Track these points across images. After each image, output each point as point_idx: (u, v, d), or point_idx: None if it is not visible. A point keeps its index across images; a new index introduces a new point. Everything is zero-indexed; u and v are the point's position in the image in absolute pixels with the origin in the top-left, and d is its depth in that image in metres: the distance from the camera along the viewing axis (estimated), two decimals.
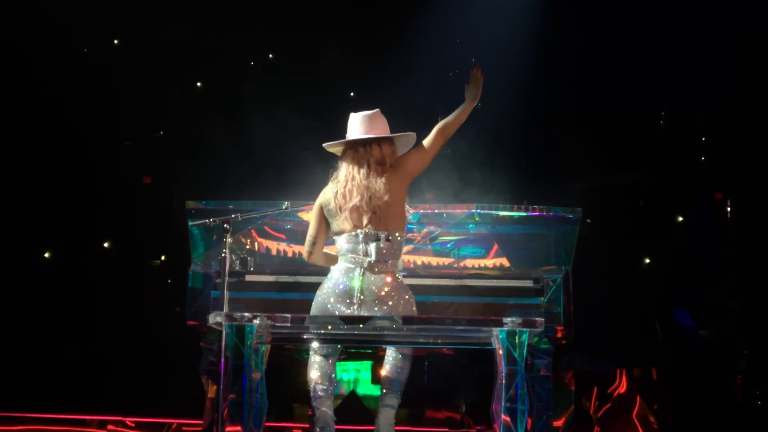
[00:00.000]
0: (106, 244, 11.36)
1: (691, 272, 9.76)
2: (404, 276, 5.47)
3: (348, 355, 7.45)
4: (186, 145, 11.07)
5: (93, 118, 10.73)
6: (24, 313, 10.47)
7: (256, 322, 4.71)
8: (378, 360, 6.47)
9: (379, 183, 5.12)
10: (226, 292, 5.22)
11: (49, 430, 8.06)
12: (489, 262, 6.21)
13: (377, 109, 5.32)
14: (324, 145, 5.37)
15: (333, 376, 5.20)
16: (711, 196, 10.34)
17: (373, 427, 5.16)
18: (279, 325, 4.76)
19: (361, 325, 4.78)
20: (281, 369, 7.34)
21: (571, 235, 6.02)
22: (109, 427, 8.16)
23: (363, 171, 5.17)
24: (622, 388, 7.80)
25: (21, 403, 9.42)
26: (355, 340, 5.03)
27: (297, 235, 6.17)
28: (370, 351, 6.64)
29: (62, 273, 11.00)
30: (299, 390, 7.55)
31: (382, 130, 5.23)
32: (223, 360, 4.75)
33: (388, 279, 5.07)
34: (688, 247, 9.99)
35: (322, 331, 4.87)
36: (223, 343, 4.76)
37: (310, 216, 5.47)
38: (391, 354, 5.22)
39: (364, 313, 5.01)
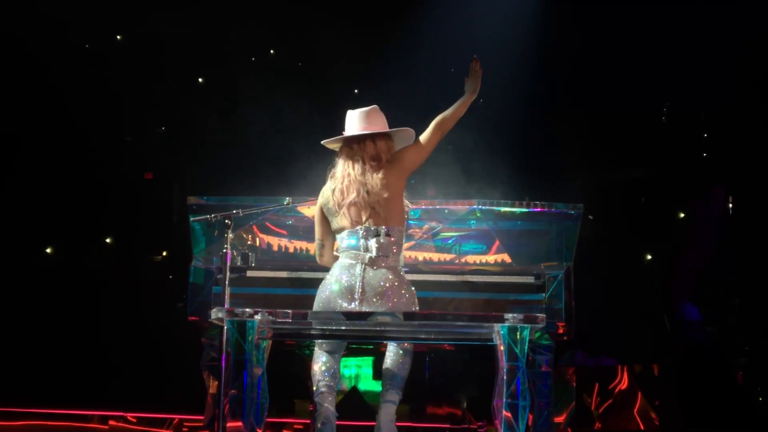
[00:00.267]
0: (107, 240, 11.37)
1: (693, 269, 9.77)
2: (406, 272, 5.47)
3: (349, 351, 7.44)
4: (187, 141, 11.07)
5: (94, 115, 10.73)
6: (25, 310, 10.47)
7: (258, 317, 4.71)
8: (380, 356, 6.47)
9: (375, 178, 5.13)
10: (227, 288, 5.23)
11: (51, 426, 8.06)
12: (490, 258, 6.21)
13: (374, 106, 5.32)
14: (322, 142, 5.38)
15: (337, 372, 5.20)
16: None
17: (374, 423, 5.16)
18: (280, 320, 4.76)
19: (362, 321, 4.78)
20: (282, 365, 7.34)
21: (572, 231, 6.01)
22: (111, 422, 8.17)
23: (358, 167, 5.18)
24: (624, 384, 7.80)
25: (23, 398, 9.43)
26: (357, 336, 5.03)
27: (298, 231, 6.18)
28: (371, 347, 6.64)
29: (64, 269, 11.00)
30: (300, 386, 7.55)
31: (378, 126, 5.24)
32: (224, 356, 4.76)
33: (390, 274, 5.07)
34: (694, 243, 9.98)
35: (324, 327, 4.87)
36: (225, 338, 4.76)
37: (312, 212, 5.47)
38: (391, 349, 5.22)
39: (366, 308, 5.02)
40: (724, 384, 7.74)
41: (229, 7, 10.62)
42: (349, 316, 4.82)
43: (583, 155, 10.71)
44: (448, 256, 6.24)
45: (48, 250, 11.22)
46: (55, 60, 10.53)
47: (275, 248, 6.22)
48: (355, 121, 5.26)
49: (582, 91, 10.59)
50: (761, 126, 10.20)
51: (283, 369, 7.46)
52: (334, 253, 5.33)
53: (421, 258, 6.25)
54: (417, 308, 5.15)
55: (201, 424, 6.97)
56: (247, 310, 4.73)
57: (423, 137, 5.24)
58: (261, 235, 6.23)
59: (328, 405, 5.10)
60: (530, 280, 5.83)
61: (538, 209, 6.04)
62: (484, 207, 6.06)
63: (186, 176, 10.75)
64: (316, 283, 5.24)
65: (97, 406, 9.00)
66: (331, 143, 5.36)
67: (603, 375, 7.96)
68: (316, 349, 5.24)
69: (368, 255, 5.09)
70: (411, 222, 6.03)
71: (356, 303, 5.04)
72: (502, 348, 4.67)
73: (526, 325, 4.65)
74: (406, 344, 5.19)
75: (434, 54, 10.24)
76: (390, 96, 9.17)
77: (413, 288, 5.19)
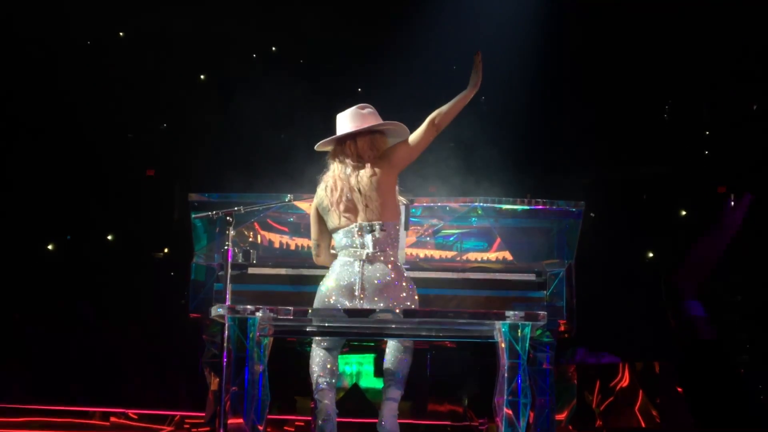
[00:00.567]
0: (109, 237, 11.37)
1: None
2: (407, 269, 5.47)
3: (350, 348, 7.45)
4: (189, 137, 11.07)
5: (96, 111, 10.73)
6: (26, 305, 10.48)
7: (259, 314, 4.71)
8: (381, 353, 6.46)
9: (363, 176, 5.14)
10: (228, 285, 5.23)
11: (52, 422, 8.07)
12: (492, 255, 6.21)
13: (358, 105, 5.33)
14: (315, 147, 5.40)
15: (335, 368, 5.20)
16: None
17: (375, 420, 5.16)
18: (281, 317, 4.76)
19: (363, 319, 4.78)
20: (283, 362, 7.35)
21: (574, 228, 6.01)
22: (112, 419, 8.18)
23: (345, 167, 5.20)
24: (625, 382, 7.80)
25: (24, 394, 9.43)
26: (357, 333, 5.02)
27: (300, 228, 6.18)
28: (372, 344, 6.64)
29: (65, 265, 11.01)
30: (301, 383, 7.55)
31: (362, 124, 5.24)
32: (225, 352, 4.76)
33: (388, 269, 5.07)
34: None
35: (325, 324, 4.87)
36: (226, 335, 4.76)
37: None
38: (391, 347, 5.23)
39: (366, 305, 5.02)
40: (732, 380, 7.73)
41: (232, 3, 10.61)
42: (350, 313, 4.83)
43: (584, 153, 10.70)
44: (449, 254, 6.24)
45: (50, 246, 11.23)
46: (58, 56, 10.53)
47: (276, 245, 6.22)
48: (340, 122, 5.30)
49: (584, 88, 10.58)
50: (763, 123, 10.19)
51: (284, 366, 7.47)
52: (333, 252, 5.34)
53: (422, 255, 6.25)
54: (416, 305, 5.13)
55: (202, 420, 6.98)
56: (249, 307, 4.73)
57: (415, 134, 5.22)
58: (262, 232, 6.23)
59: (328, 402, 5.10)
60: (531, 277, 5.83)
61: (540, 206, 6.03)
62: (485, 204, 6.05)
63: (188, 173, 10.76)
64: (318, 280, 5.24)
65: (98, 403, 9.01)
66: (322, 147, 5.38)
67: (604, 372, 7.97)
68: (314, 346, 5.24)
69: (365, 251, 5.09)
70: (412, 219, 6.03)
71: (356, 300, 5.04)
72: (503, 345, 4.67)
73: (527, 323, 4.65)
74: (405, 341, 5.19)
75: (438, 51, 10.23)
76: (393, 93, 9.19)
77: (413, 284, 5.18)
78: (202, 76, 11.48)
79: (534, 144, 10.58)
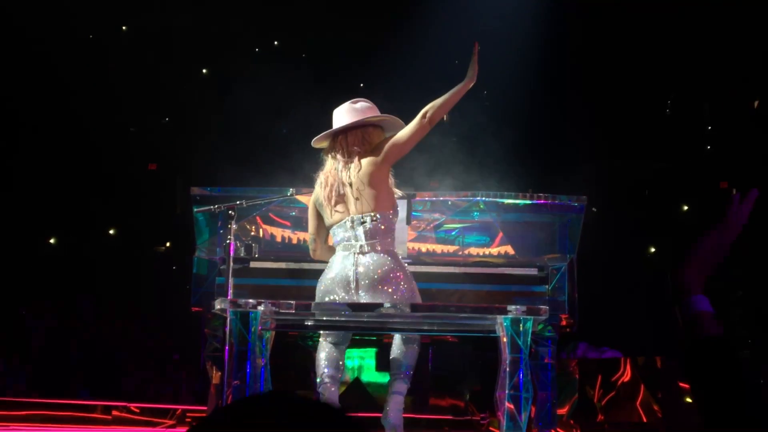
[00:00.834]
0: (111, 231, 11.37)
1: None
2: (409, 263, 5.47)
3: (352, 342, 7.45)
4: (191, 131, 11.08)
5: (98, 106, 10.73)
6: (28, 299, 10.49)
7: (261, 308, 4.71)
8: (383, 347, 6.47)
9: (353, 171, 5.15)
10: (230, 279, 5.23)
11: (54, 416, 8.07)
12: (494, 249, 6.20)
13: (353, 99, 5.33)
14: (312, 144, 5.40)
15: (341, 363, 5.21)
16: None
17: (376, 414, 5.16)
18: (283, 311, 4.77)
19: (365, 312, 4.77)
20: (285, 356, 7.35)
21: (576, 223, 6.00)
22: (114, 412, 8.18)
23: (337, 162, 5.21)
24: (627, 377, 7.80)
25: (26, 388, 9.44)
26: (359, 327, 5.03)
27: (301, 222, 6.17)
28: (374, 338, 6.64)
29: (67, 260, 11.02)
30: (303, 376, 7.56)
31: (352, 119, 5.24)
32: (227, 346, 4.76)
33: (383, 260, 5.06)
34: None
35: (327, 318, 4.87)
36: (228, 329, 4.76)
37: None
38: (397, 338, 5.23)
39: (363, 295, 5.01)
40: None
41: None
42: (353, 307, 4.83)
43: (586, 147, 10.70)
44: (451, 248, 6.23)
45: (51, 241, 11.23)
46: (59, 51, 10.53)
47: (278, 239, 6.22)
48: (334, 118, 5.31)
49: (586, 83, 10.58)
50: (763, 119, 10.18)
51: (286, 360, 7.47)
52: (332, 247, 5.35)
53: (424, 249, 6.24)
54: (413, 294, 5.10)
55: (204, 414, 6.98)
56: (250, 300, 4.73)
57: (407, 127, 5.20)
58: (264, 226, 6.23)
59: (330, 396, 5.11)
60: (533, 272, 5.82)
61: (542, 201, 6.03)
62: (487, 199, 6.04)
63: (190, 167, 10.76)
64: (319, 274, 5.24)
65: (100, 396, 9.02)
66: (318, 144, 5.40)
67: (606, 367, 7.96)
68: (321, 340, 5.24)
69: (358, 243, 5.10)
70: (414, 213, 6.03)
71: (353, 292, 5.04)
72: (504, 340, 4.67)
73: (529, 317, 4.65)
74: (416, 336, 5.19)
75: (440, 46, 10.23)
76: (395, 88, 9.19)
77: (410, 274, 5.17)
78: (203, 71, 11.47)
79: (536, 138, 10.58)
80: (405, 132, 5.18)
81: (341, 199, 5.18)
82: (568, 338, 8.18)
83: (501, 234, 6.15)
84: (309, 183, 5.47)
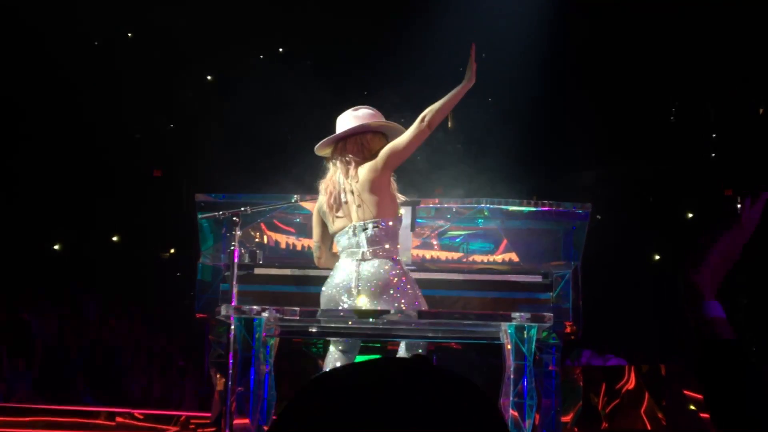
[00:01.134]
0: (115, 238, 11.38)
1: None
2: (413, 270, 5.47)
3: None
4: (196, 138, 11.09)
5: (103, 111, 10.75)
6: (33, 304, 10.50)
7: (265, 315, 4.71)
8: (387, 355, 6.46)
9: (354, 177, 5.14)
10: (235, 285, 5.23)
11: (57, 422, 8.07)
12: (498, 257, 6.20)
13: (354, 107, 5.33)
14: (315, 150, 5.40)
15: None
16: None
17: None
18: (287, 318, 4.77)
19: (368, 320, 4.77)
20: (290, 362, 7.35)
21: (580, 230, 6.00)
22: (118, 419, 8.18)
23: (338, 169, 5.21)
24: (631, 384, 7.79)
25: (30, 394, 9.44)
26: (364, 334, 5.02)
27: (306, 229, 6.17)
28: (378, 345, 6.63)
29: (72, 265, 11.03)
30: None
31: (350, 126, 5.24)
32: (231, 353, 4.76)
33: (385, 266, 5.05)
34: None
35: (331, 325, 4.86)
36: (232, 335, 4.76)
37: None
38: (403, 345, 5.23)
39: (365, 302, 5.00)
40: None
41: (240, 4, 10.63)
42: (358, 314, 4.82)
43: (592, 154, 10.70)
44: (455, 255, 6.23)
45: (56, 247, 11.24)
46: (65, 57, 10.55)
47: (283, 246, 6.22)
48: (337, 125, 5.31)
49: (591, 90, 10.58)
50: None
51: (290, 367, 7.47)
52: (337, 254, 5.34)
53: (428, 257, 6.24)
54: (415, 302, 5.08)
55: (208, 421, 6.98)
56: (255, 307, 4.73)
57: (406, 133, 5.17)
58: (269, 233, 6.23)
59: None
60: (538, 279, 5.81)
61: (546, 208, 6.02)
62: (491, 206, 6.04)
63: (194, 173, 10.77)
64: (324, 281, 5.24)
65: (104, 402, 9.02)
66: (321, 151, 5.40)
67: (610, 374, 7.95)
68: (330, 348, 5.24)
69: (360, 250, 5.09)
70: (419, 220, 6.03)
71: (354, 299, 5.03)
72: (509, 347, 4.67)
73: (533, 324, 4.65)
74: (421, 342, 5.18)
75: (441, 53, 10.23)
76: (399, 94, 9.19)
77: (414, 281, 5.16)
78: (209, 77, 11.49)
79: (541, 145, 10.58)
80: (404, 137, 5.15)
81: (343, 206, 5.18)
82: (572, 345, 8.17)
83: (505, 241, 6.15)
84: (313, 190, 5.47)
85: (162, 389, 10.23)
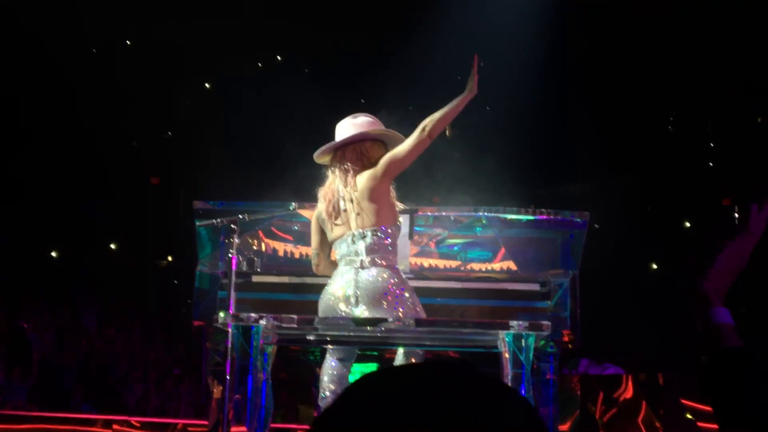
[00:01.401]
0: (112, 245, 11.37)
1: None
2: (411, 278, 5.46)
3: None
4: (193, 145, 11.10)
5: (101, 120, 10.76)
6: (30, 312, 10.48)
7: (263, 322, 4.70)
8: (384, 362, 6.45)
9: (352, 186, 5.13)
10: (232, 293, 5.22)
11: (55, 430, 8.06)
12: (496, 265, 6.19)
13: (354, 114, 5.32)
14: (314, 159, 5.40)
15: (346, 380, 5.18)
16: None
17: None
18: (285, 326, 4.76)
19: (367, 327, 4.76)
20: (287, 370, 7.34)
21: (578, 239, 5.99)
22: (115, 426, 8.16)
23: (336, 177, 5.20)
24: (628, 393, 7.78)
25: (27, 402, 9.42)
26: (361, 342, 5.01)
27: (304, 236, 6.16)
28: (376, 353, 6.63)
29: (68, 273, 11.01)
30: (305, 392, 7.55)
31: (349, 134, 5.23)
32: (228, 360, 4.75)
33: (384, 275, 5.03)
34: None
35: (329, 333, 4.86)
36: (229, 343, 4.75)
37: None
38: (400, 353, 5.22)
39: (364, 310, 4.99)
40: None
41: (237, 13, 10.64)
42: (356, 322, 4.81)
43: (589, 163, 10.71)
44: (453, 263, 6.22)
45: (53, 254, 11.23)
46: (64, 64, 10.57)
47: (281, 253, 6.22)
48: (336, 133, 5.30)
49: (589, 100, 10.60)
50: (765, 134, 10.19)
51: (287, 375, 7.46)
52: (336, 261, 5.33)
53: (426, 265, 6.23)
54: (413, 310, 5.07)
55: (205, 428, 6.97)
56: (252, 315, 4.72)
57: (405, 142, 5.16)
58: (266, 240, 6.22)
59: None
60: (536, 287, 5.81)
61: (544, 217, 6.02)
62: (489, 214, 6.04)
63: (192, 180, 10.77)
64: (322, 288, 5.23)
65: (101, 410, 9.00)
66: (320, 159, 5.39)
67: (608, 383, 7.94)
68: (327, 356, 5.23)
69: (359, 258, 5.08)
70: (417, 228, 6.02)
71: (352, 307, 5.02)
72: (506, 355, 4.66)
73: (531, 333, 4.64)
74: (419, 351, 5.17)
75: (439, 60, 10.25)
76: (399, 102, 9.20)
77: (413, 290, 5.14)
78: (207, 85, 11.49)
79: (539, 154, 10.59)
80: (404, 146, 5.14)
81: (342, 214, 5.17)
82: (570, 354, 8.16)
83: (503, 249, 6.14)
84: (311, 198, 5.46)
85: (159, 396, 10.21)
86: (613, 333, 9.58)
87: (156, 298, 10.77)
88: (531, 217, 6.04)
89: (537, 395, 5.67)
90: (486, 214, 6.04)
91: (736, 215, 2.12)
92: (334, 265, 5.30)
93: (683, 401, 7.58)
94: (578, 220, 5.99)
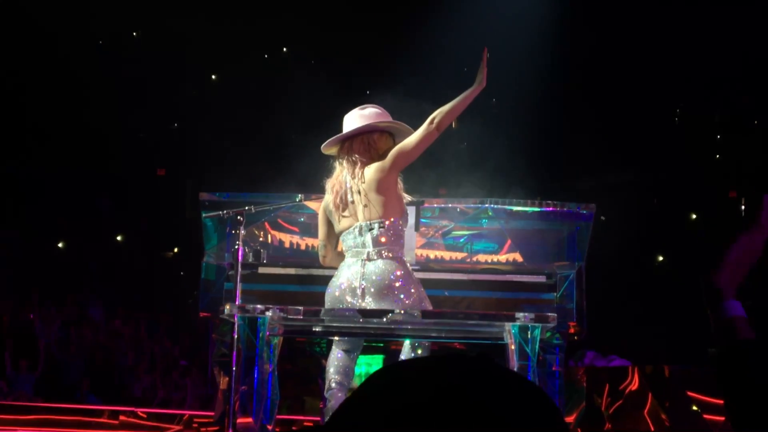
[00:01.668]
0: (119, 237, 11.39)
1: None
2: (417, 270, 5.46)
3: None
4: (200, 137, 11.10)
5: (107, 111, 10.77)
6: (37, 304, 10.50)
7: (269, 314, 4.71)
8: (390, 354, 6.46)
9: (360, 177, 5.13)
10: (238, 284, 5.23)
11: (61, 420, 8.08)
12: (502, 257, 6.19)
13: (362, 105, 5.32)
14: (322, 150, 5.39)
15: (352, 371, 5.19)
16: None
17: None
18: (291, 317, 4.76)
19: (373, 319, 4.76)
20: (293, 362, 7.35)
21: (584, 230, 5.98)
22: (121, 417, 8.19)
23: (344, 168, 5.20)
24: (634, 385, 7.78)
25: (33, 393, 9.45)
26: (367, 334, 5.02)
27: (310, 228, 6.17)
28: (381, 345, 6.63)
29: (75, 264, 11.04)
30: (311, 383, 7.56)
31: (357, 125, 5.23)
32: (235, 352, 4.75)
33: (390, 267, 5.03)
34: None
35: (335, 324, 4.86)
36: (236, 334, 4.76)
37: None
38: (407, 345, 5.22)
39: (370, 302, 4.99)
40: None
41: (244, 6, 10.64)
42: (362, 313, 4.82)
43: (596, 156, 10.69)
44: (459, 255, 6.22)
45: (60, 245, 11.25)
46: (70, 57, 10.57)
47: (287, 245, 6.22)
48: (343, 124, 5.29)
49: (595, 92, 10.58)
50: None
51: (294, 366, 7.47)
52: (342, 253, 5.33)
53: (432, 256, 6.23)
54: (421, 303, 5.07)
55: (211, 420, 6.98)
56: (259, 306, 4.73)
57: (414, 134, 5.15)
58: (273, 232, 6.23)
59: (336, 403, 5.09)
60: (542, 279, 5.81)
61: (551, 209, 6.01)
62: (495, 206, 6.03)
63: (199, 172, 10.78)
64: (328, 280, 5.24)
65: (107, 401, 9.02)
66: (327, 150, 5.38)
67: (614, 375, 7.94)
68: (333, 347, 5.23)
69: (366, 250, 5.08)
70: (423, 220, 6.02)
71: (358, 299, 5.02)
72: (513, 347, 4.66)
73: (537, 325, 4.64)
74: (425, 342, 5.17)
75: (445, 53, 10.24)
76: (405, 95, 9.19)
77: (419, 282, 5.15)
78: (213, 77, 11.49)
79: (545, 146, 10.58)
80: (412, 139, 5.14)
81: (349, 205, 5.17)
82: (576, 346, 8.16)
83: (509, 241, 6.14)
84: (317, 189, 5.46)
85: (165, 387, 10.23)
86: (620, 325, 9.58)
87: (162, 289, 10.79)
88: (537, 209, 6.03)
89: (543, 387, 5.67)
90: (492, 205, 6.03)
91: (743, 207, 2.12)
92: (340, 256, 5.30)
93: (689, 393, 7.58)
94: (584, 211, 5.99)
